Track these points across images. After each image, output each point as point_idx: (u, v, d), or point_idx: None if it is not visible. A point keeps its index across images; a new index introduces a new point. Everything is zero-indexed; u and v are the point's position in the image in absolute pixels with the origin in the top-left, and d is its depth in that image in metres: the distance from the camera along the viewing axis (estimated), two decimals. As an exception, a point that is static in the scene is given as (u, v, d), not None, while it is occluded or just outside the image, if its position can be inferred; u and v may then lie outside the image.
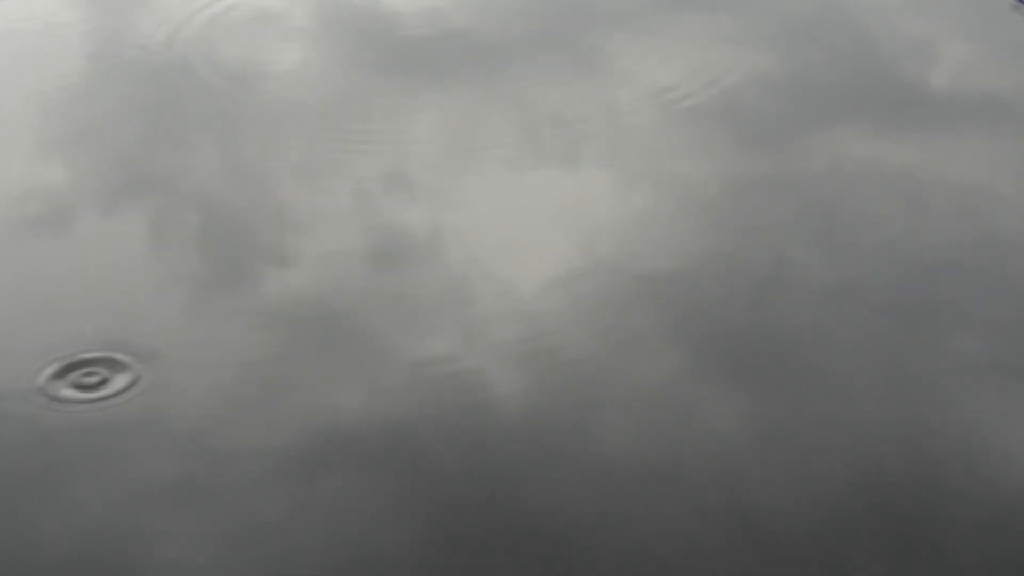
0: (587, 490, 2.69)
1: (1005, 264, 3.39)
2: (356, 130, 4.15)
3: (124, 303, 3.32)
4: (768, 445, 2.79)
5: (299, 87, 4.47)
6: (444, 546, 2.57)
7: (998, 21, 4.82)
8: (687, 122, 4.15)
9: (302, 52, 4.73)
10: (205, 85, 4.49)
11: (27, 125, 4.28)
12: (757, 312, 3.22)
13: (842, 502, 2.63)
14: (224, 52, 4.74)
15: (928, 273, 3.35)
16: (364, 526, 2.62)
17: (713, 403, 2.92)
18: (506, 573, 2.51)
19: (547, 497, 2.67)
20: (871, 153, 3.93)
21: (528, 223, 3.62)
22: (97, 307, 3.31)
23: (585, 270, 3.41)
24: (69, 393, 3.01)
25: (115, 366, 3.07)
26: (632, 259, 3.44)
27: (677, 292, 3.31)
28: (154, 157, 4.02)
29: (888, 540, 2.54)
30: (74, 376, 3.04)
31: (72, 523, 2.63)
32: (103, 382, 3.03)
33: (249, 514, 2.65)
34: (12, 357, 3.13)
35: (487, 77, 4.50)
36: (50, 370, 3.05)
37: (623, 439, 2.82)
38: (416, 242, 3.54)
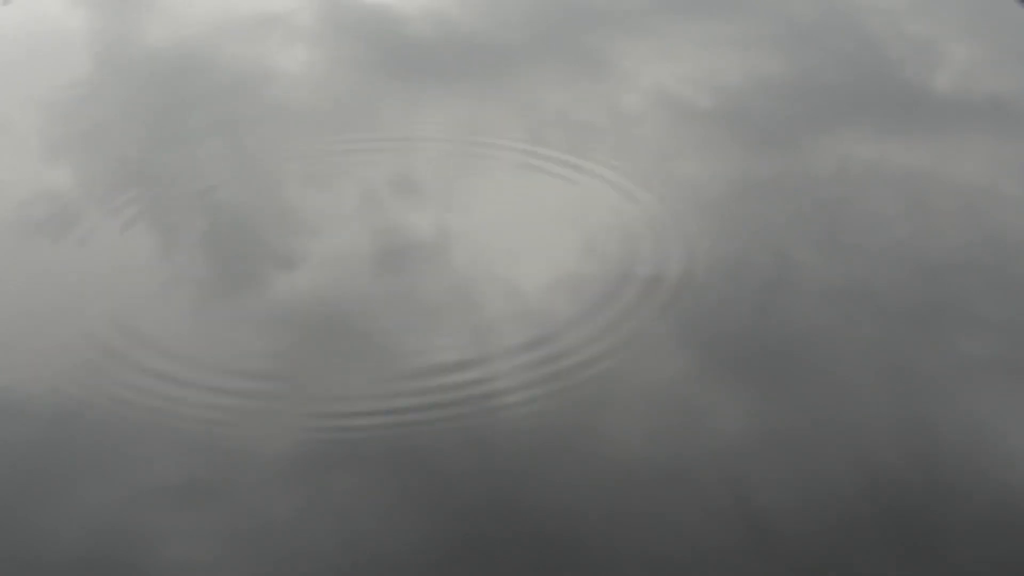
0: (595, 491, 2.69)
1: (1011, 265, 3.39)
2: (361, 132, 4.16)
3: (127, 305, 3.34)
4: (775, 446, 2.80)
5: (304, 89, 4.48)
6: (450, 547, 2.57)
7: (1003, 23, 4.83)
8: (693, 124, 4.15)
9: (308, 54, 4.74)
10: (210, 87, 4.50)
11: (31, 127, 4.29)
12: (763, 314, 3.23)
13: (850, 503, 2.63)
14: (229, 54, 4.75)
15: (934, 274, 3.35)
16: (372, 526, 2.62)
17: (720, 404, 2.93)
18: (513, 574, 2.51)
19: (555, 498, 2.68)
20: (876, 155, 3.94)
21: (534, 225, 3.63)
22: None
23: (591, 271, 3.41)
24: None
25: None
26: (638, 260, 3.45)
27: (683, 294, 3.31)
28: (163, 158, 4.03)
29: (896, 541, 2.55)
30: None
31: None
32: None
33: (259, 514, 2.66)
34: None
35: (492, 79, 4.51)
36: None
37: (630, 440, 2.83)
38: (423, 244, 3.55)
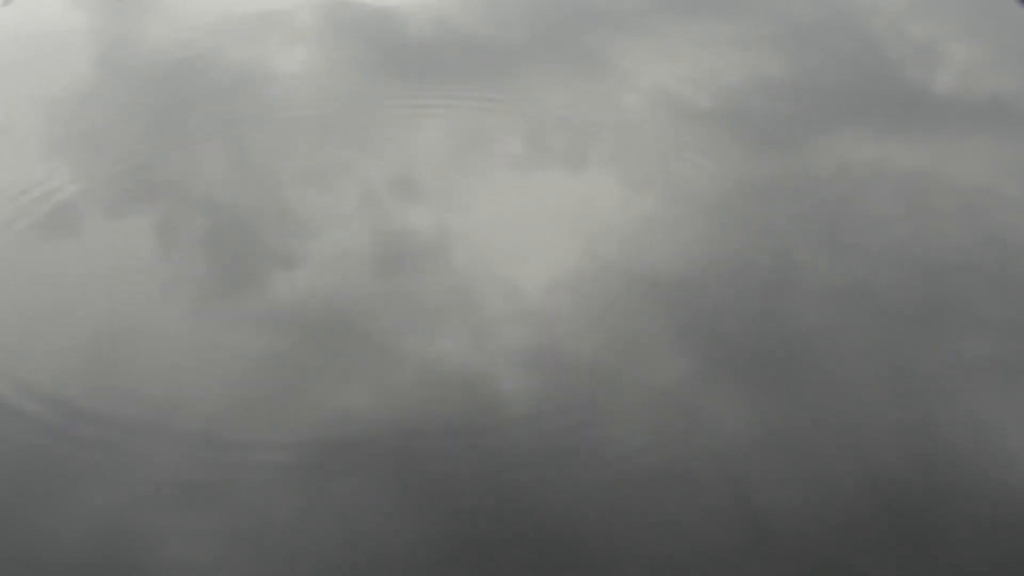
0: (597, 492, 2.69)
1: (1011, 265, 3.39)
2: (362, 133, 4.16)
3: (128, 306, 3.34)
4: (776, 447, 2.80)
5: (305, 90, 4.48)
6: (452, 548, 2.57)
7: (1003, 23, 4.83)
8: (693, 126, 4.15)
9: (309, 56, 4.74)
10: (212, 88, 4.49)
11: (33, 129, 4.28)
12: (764, 314, 3.23)
13: (851, 503, 2.63)
14: (230, 55, 4.74)
15: (935, 275, 3.35)
16: (374, 528, 2.62)
17: (721, 405, 2.93)
18: (513, 574, 2.51)
19: (557, 499, 2.68)
20: (877, 156, 3.94)
21: (534, 226, 3.63)
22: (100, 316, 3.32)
23: (592, 273, 3.41)
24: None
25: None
26: (639, 262, 3.45)
27: (685, 295, 3.31)
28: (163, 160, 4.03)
29: (896, 541, 2.54)
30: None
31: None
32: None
33: (259, 515, 2.66)
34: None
35: (492, 80, 4.51)
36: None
37: (632, 442, 2.83)
38: (423, 245, 3.55)
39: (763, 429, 2.85)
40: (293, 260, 3.51)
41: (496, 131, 4.14)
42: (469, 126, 4.18)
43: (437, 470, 2.76)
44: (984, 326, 3.16)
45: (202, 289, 3.41)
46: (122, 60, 4.75)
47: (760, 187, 3.79)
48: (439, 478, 2.74)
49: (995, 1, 5.05)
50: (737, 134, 4.09)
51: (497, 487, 2.71)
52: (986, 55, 4.59)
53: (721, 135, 4.09)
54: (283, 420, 2.93)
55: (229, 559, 2.55)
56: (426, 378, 3.04)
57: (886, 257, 3.44)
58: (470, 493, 2.70)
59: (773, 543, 2.55)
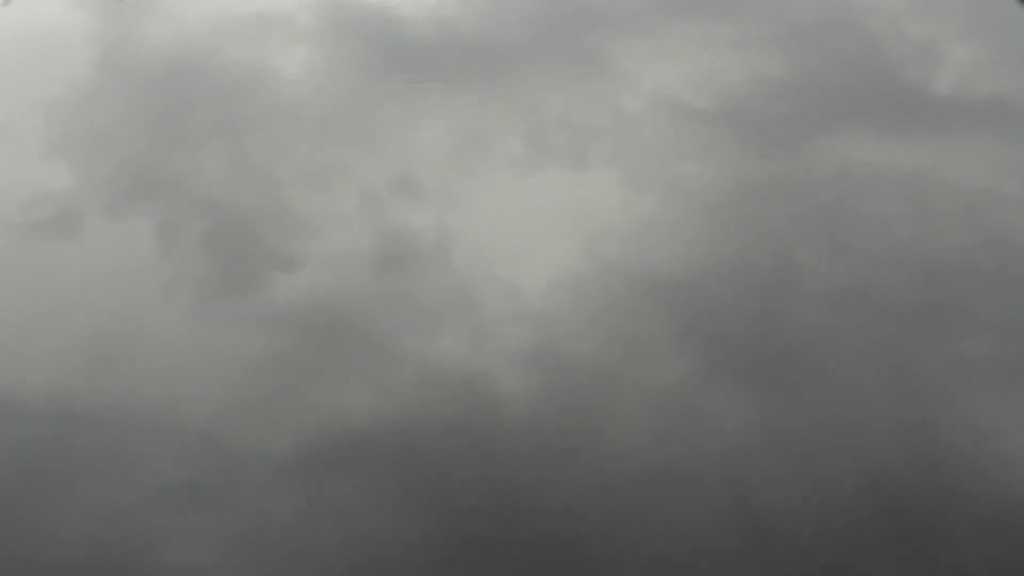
0: (597, 493, 2.69)
1: (1011, 266, 3.39)
2: (362, 132, 4.16)
3: (128, 304, 3.34)
4: (777, 447, 2.80)
5: (306, 91, 4.48)
6: (452, 548, 2.57)
7: (1003, 23, 4.83)
8: (693, 126, 4.15)
9: (309, 56, 4.74)
10: (212, 88, 4.50)
11: (33, 129, 4.28)
12: (764, 314, 3.23)
13: (851, 503, 2.64)
14: (230, 55, 4.75)
15: (935, 276, 3.35)
16: (374, 528, 2.62)
17: (722, 406, 2.93)
18: (513, 574, 2.51)
19: (557, 499, 2.68)
20: (877, 157, 3.94)
21: (535, 226, 3.63)
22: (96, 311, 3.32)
23: (593, 273, 3.41)
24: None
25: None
26: (640, 262, 3.45)
27: (685, 295, 3.31)
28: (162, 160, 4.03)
29: (897, 541, 2.54)
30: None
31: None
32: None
33: (259, 515, 2.66)
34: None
35: (493, 81, 4.51)
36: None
37: (632, 442, 2.83)
38: (423, 245, 3.55)
39: (763, 429, 2.85)
40: (293, 260, 3.51)
41: (496, 131, 4.14)
42: (469, 126, 4.18)
43: (437, 470, 2.76)
44: (984, 326, 3.16)
45: (202, 289, 3.41)
46: (122, 60, 4.75)
47: (760, 187, 3.79)
48: (439, 478, 2.74)
49: (995, 1, 5.05)
50: (737, 134, 4.09)
51: (497, 487, 2.71)
52: (986, 55, 4.59)
53: (721, 135, 4.09)
54: (283, 420, 2.92)
55: (229, 559, 2.55)
56: (426, 378, 3.04)
57: (886, 257, 3.44)
58: (470, 493, 2.70)
59: (773, 543, 2.55)
